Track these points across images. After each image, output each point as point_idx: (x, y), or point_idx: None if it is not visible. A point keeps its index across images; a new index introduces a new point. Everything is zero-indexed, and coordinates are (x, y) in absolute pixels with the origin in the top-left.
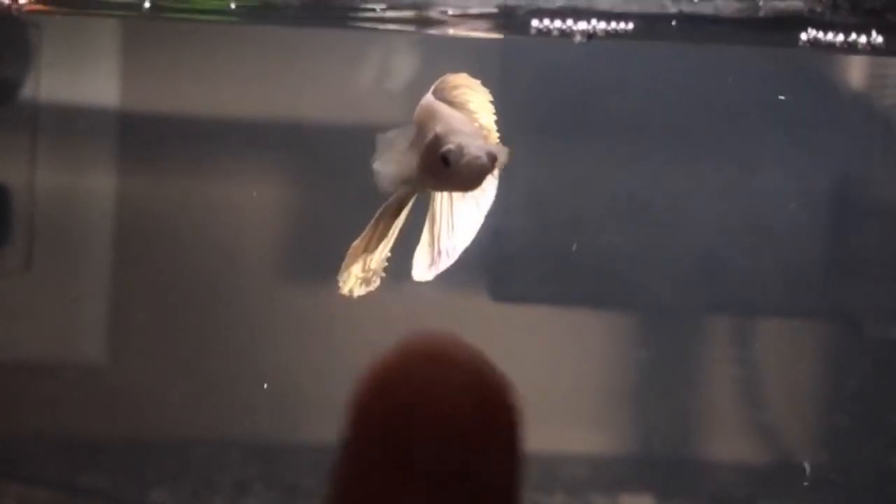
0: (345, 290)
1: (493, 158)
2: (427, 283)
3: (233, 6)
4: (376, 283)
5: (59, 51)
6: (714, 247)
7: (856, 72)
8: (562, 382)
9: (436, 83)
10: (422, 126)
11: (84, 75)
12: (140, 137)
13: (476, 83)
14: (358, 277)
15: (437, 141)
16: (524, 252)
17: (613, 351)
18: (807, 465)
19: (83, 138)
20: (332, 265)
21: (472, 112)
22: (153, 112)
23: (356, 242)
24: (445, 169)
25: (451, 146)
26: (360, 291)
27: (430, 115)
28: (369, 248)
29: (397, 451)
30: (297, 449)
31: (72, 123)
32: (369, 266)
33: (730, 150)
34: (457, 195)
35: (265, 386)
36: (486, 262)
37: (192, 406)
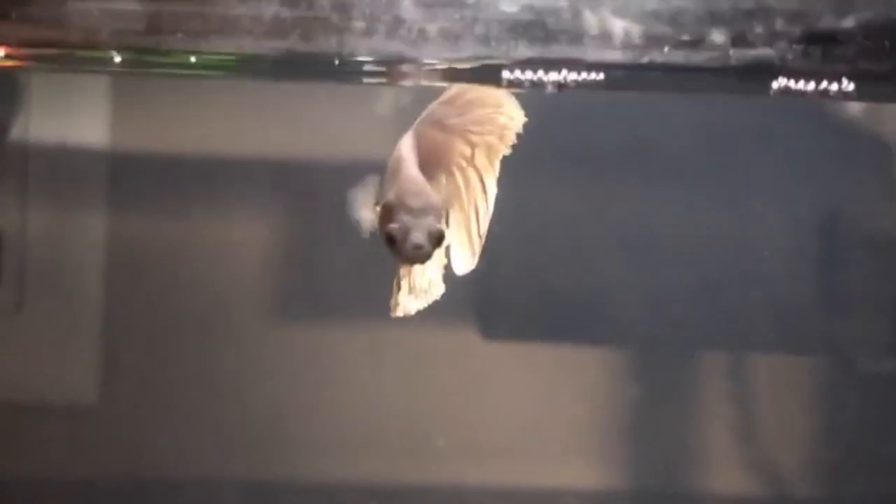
0: (400, 314)
1: (436, 240)
2: (417, 322)
3: (194, 60)
4: (435, 293)
5: (48, 92)
6: (706, 282)
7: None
8: (555, 419)
9: (439, 101)
10: (389, 177)
11: (74, 117)
12: (131, 179)
13: (501, 98)
14: (407, 298)
15: (387, 212)
16: (515, 289)
17: (606, 387)
18: None
19: (74, 180)
20: (325, 304)
21: (479, 139)
22: (144, 153)
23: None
24: (391, 244)
25: (395, 226)
26: (418, 306)
27: (396, 167)
28: (406, 274)
29: None
30: (288, 489)
31: (62, 165)
32: (414, 286)
33: (721, 186)
34: (480, 177)
35: None
36: (475, 300)
37: (186, 446)
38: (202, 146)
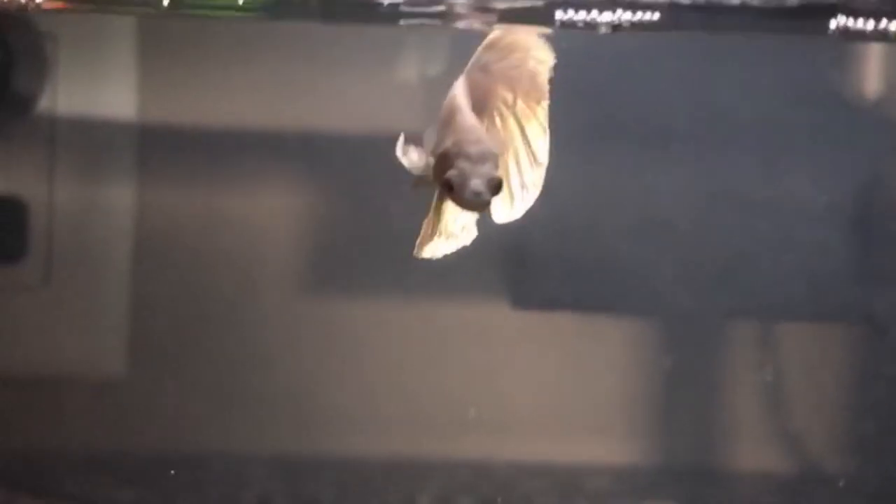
0: (427, 255)
1: (495, 188)
2: (445, 292)
3: (241, 2)
4: (466, 239)
5: (75, 62)
6: (739, 253)
7: (878, 70)
8: (586, 391)
9: (483, 45)
10: (443, 124)
11: (101, 86)
12: (159, 149)
13: (531, 41)
14: (437, 240)
15: (445, 159)
16: (545, 259)
17: (637, 359)
18: None
19: (101, 151)
20: (354, 277)
21: (519, 85)
22: (172, 123)
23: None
24: (449, 191)
25: (454, 172)
26: (447, 250)
27: (449, 116)
28: (434, 227)
29: None
30: (319, 463)
31: (89, 136)
32: (446, 229)
33: (753, 154)
34: (521, 125)
35: None
36: (506, 270)
37: (214, 420)
38: (231, 117)
